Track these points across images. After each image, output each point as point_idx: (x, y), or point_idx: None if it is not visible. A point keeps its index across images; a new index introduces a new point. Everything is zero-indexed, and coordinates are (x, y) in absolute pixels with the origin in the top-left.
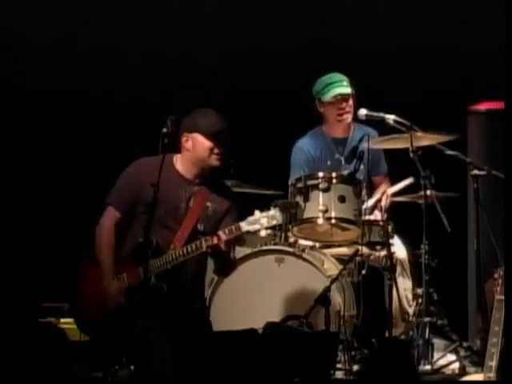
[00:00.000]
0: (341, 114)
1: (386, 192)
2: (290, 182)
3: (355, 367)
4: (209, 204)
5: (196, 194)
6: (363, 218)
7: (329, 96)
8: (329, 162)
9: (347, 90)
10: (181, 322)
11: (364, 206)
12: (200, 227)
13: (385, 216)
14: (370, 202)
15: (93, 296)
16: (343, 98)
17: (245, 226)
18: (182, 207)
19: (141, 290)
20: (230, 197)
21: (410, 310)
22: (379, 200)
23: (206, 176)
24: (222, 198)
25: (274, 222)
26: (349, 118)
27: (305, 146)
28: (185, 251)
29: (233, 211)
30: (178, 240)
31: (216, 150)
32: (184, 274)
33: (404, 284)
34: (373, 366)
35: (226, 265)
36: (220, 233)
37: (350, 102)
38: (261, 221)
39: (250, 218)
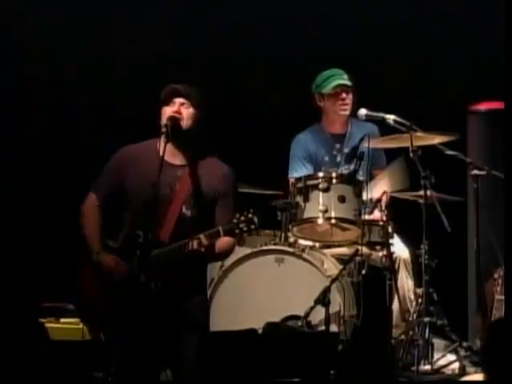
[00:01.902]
0: (341, 105)
1: (386, 192)
2: (289, 175)
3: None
4: (196, 186)
5: (180, 178)
6: (363, 217)
7: (329, 87)
8: (326, 158)
9: (348, 81)
10: (173, 321)
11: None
12: (187, 212)
13: (385, 214)
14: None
15: (97, 294)
16: (343, 89)
17: (223, 231)
18: (166, 193)
19: (129, 288)
20: (225, 175)
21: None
22: (379, 200)
23: (190, 156)
24: (213, 178)
25: (252, 227)
26: (348, 110)
27: (303, 140)
28: (168, 252)
29: (227, 192)
30: (164, 231)
31: (172, 113)
32: (178, 271)
33: (407, 285)
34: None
35: (211, 260)
36: (201, 236)
37: (351, 95)
38: (240, 225)
39: (230, 223)
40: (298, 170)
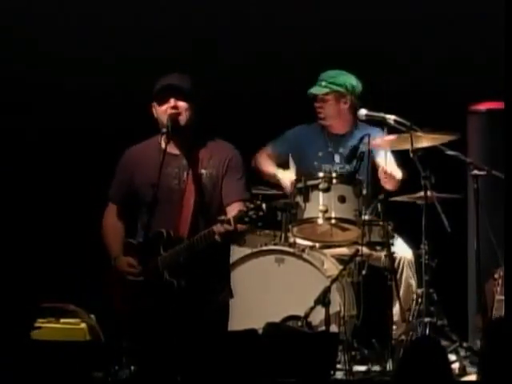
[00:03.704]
0: (317, 113)
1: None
2: (267, 145)
3: (355, 368)
4: (203, 171)
5: (187, 167)
6: (363, 217)
7: (307, 93)
8: (320, 153)
9: (319, 90)
10: (197, 318)
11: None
12: (201, 201)
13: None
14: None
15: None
16: (318, 97)
17: (234, 219)
18: (174, 184)
19: (153, 287)
20: (229, 155)
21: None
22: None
23: (193, 145)
24: (219, 161)
25: (261, 214)
26: (325, 118)
27: (299, 131)
28: (185, 248)
29: (232, 170)
30: (183, 225)
31: (169, 110)
32: (201, 265)
33: (412, 286)
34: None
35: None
36: (214, 227)
37: (330, 102)
38: (249, 213)
39: (239, 212)
40: (277, 147)
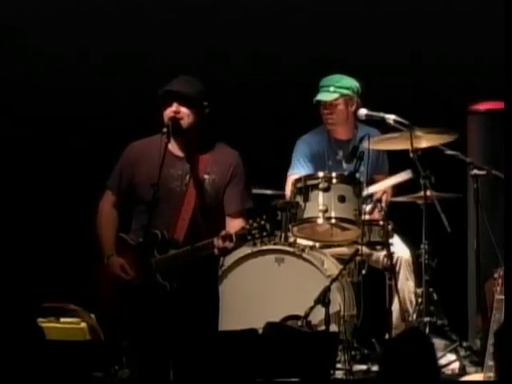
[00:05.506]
0: (325, 119)
1: (386, 192)
2: (289, 172)
3: (355, 367)
4: (206, 176)
5: (190, 170)
6: (363, 217)
7: (314, 100)
8: (330, 162)
9: (329, 96)
10: (188, 322)
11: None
12: (200, 207)
13: (383, 211)
14: (371, 190)
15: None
16: (327, 104)
17: (236, 236)
18: (176, 186)
19: (144, 288)
20: (233, 161)
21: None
22: (379, 199)
23: (197, 148)
24: (222, 167)
25: (264, 234)
26: (334, 123)
27: (308, 141)
28: (182, 254)
29: (236, 178)
30: (179, 227)
31: (171, 114)
32: (193, 270)
33: (408, 286)
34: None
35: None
36: (215, 240)
37: (340, 107)
38: (252, 232)
39: (242, 229)
40: (300, 168)
